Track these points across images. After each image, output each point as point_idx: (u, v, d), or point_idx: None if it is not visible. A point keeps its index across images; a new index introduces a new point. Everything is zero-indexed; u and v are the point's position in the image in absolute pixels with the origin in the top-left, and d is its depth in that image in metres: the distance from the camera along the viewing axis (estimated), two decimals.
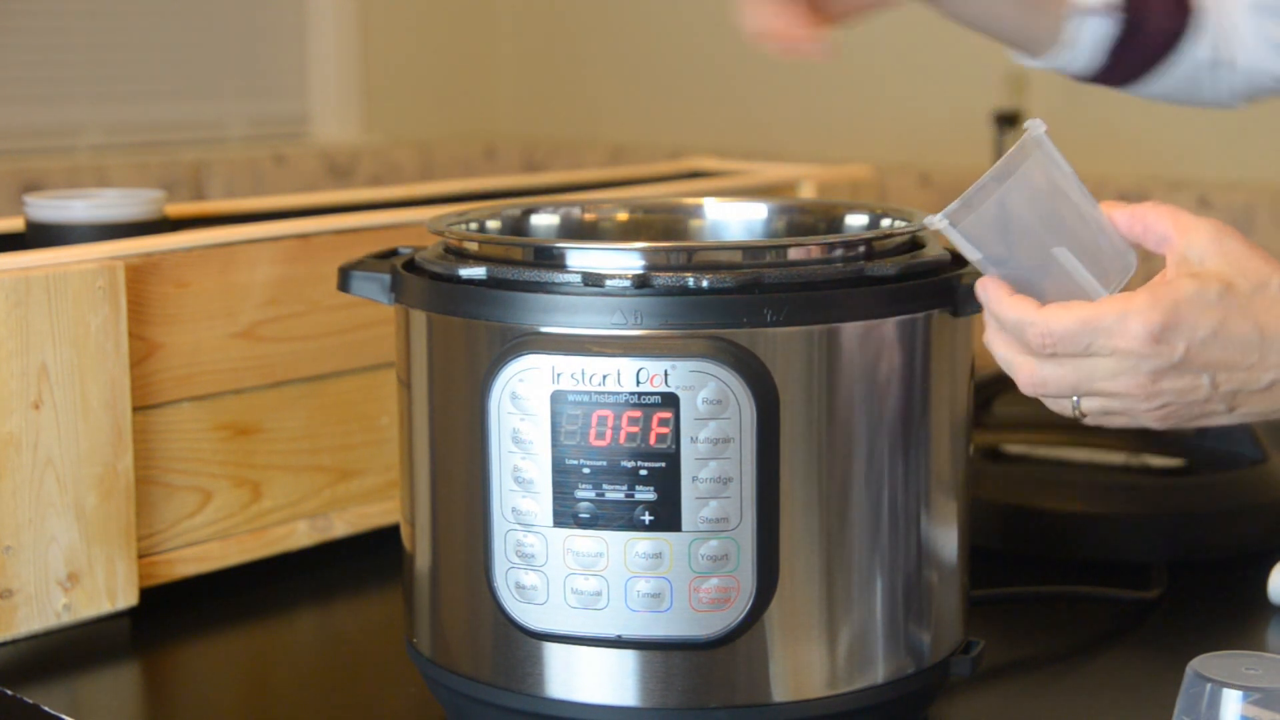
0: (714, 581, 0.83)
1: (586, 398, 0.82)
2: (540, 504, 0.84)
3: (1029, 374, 0.82)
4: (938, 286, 0.88)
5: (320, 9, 3.48)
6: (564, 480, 0.83)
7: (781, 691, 0.86)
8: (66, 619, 1.10)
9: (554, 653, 0.87)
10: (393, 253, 1.01)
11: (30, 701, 1.00)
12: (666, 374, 0.81)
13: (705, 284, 0.83)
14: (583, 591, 0.84)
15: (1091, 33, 1.18)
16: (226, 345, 1.18)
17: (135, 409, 1.13)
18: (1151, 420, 0.82)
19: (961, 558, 0.93)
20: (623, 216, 1.09)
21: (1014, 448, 1.29)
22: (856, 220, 1.03)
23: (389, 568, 1.16)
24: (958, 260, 0.93)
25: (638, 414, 0.82)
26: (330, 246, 1.23)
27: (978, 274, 0.87)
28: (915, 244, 0.92)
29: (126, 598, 1.12)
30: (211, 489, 1.18)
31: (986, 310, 0.83)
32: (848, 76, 3.30)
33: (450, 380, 0.89)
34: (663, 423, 0.82)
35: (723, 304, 0.82)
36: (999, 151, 3.06)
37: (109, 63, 3.20)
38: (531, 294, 0.84)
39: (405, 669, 1.02)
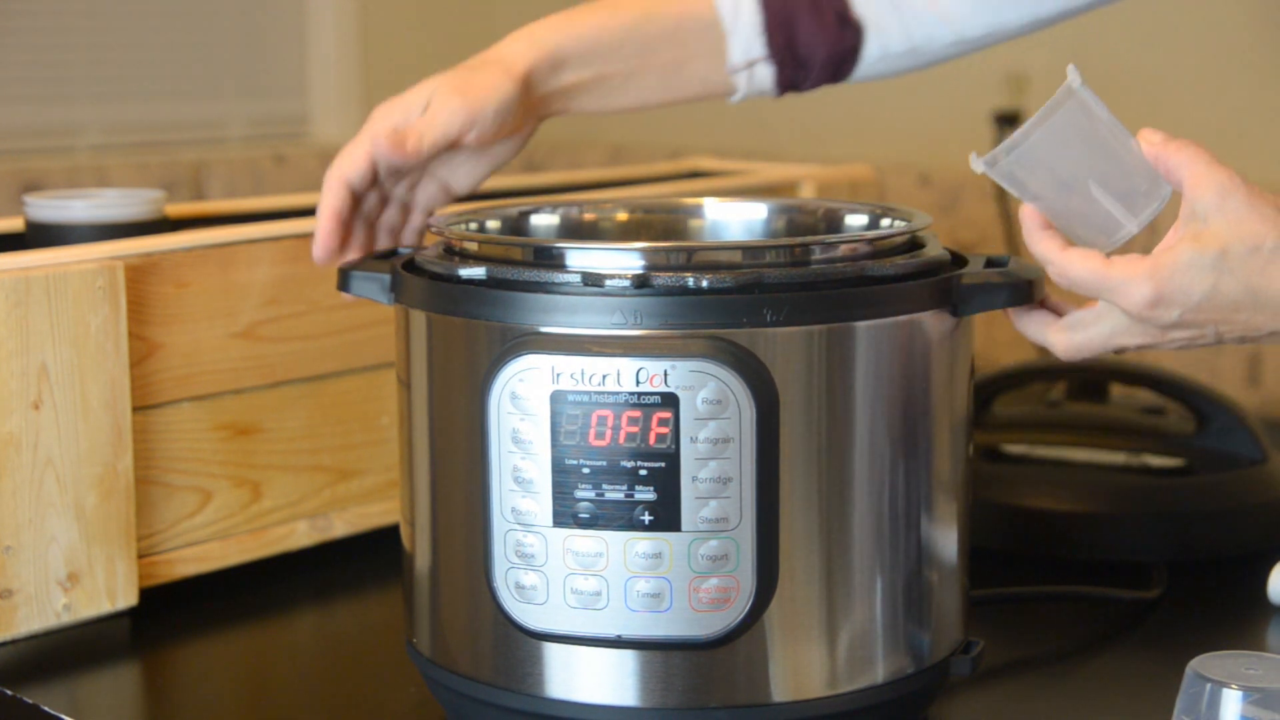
0: (714, 581, 0.83)
1: (586, 398, 0.82)
2: (540, 504, 0.84)
3: (1065, 344, 0.90)
4: (937, 286, 0.88)
5: (320, 9, 3.48)
6: (563, 480, 0.83)
7: (781, 691, 0.86)
8: (66, 619, 1.10)
9: (554, 653, 0.87)
10: (393, 253, 1.01)
11: (30, 701, 1.00)
12: (666, 374, 0.81)
13: (705, 284, 0.83)
14: (582, 591, 0.84)
15: (759, 78, 1.17)
16: (226, 345, 1.18)
17: (135, 409, 1.13)
18: (1175, 349, 0.89)
19: (961, 558, 0.93)
20: (623, 216, 1.09)
21: (1014, 448, 1.28)
22: (857, 220, 1.03)
23: (389, 568, 1.16)
24: (958, 260, 0.93)
25: (637, 414, 0.82)
26: None
27: (977, 274, 0.89)
28: (915, 244, 0.92)
29: (126, 598, 1.12)
30: (211, 489, 1.18)
31: (1027, 243, 0.89)
32: None
33: (450, 380, 0.89)
34: (662, 423, 0.82)
35: (722, 304, 0.82)
36: None
37: (109, 63, 3.20)
38: (531, 294, 0.84)
39: (405, 669, 1.02)
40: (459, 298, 0.87)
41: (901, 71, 1.20)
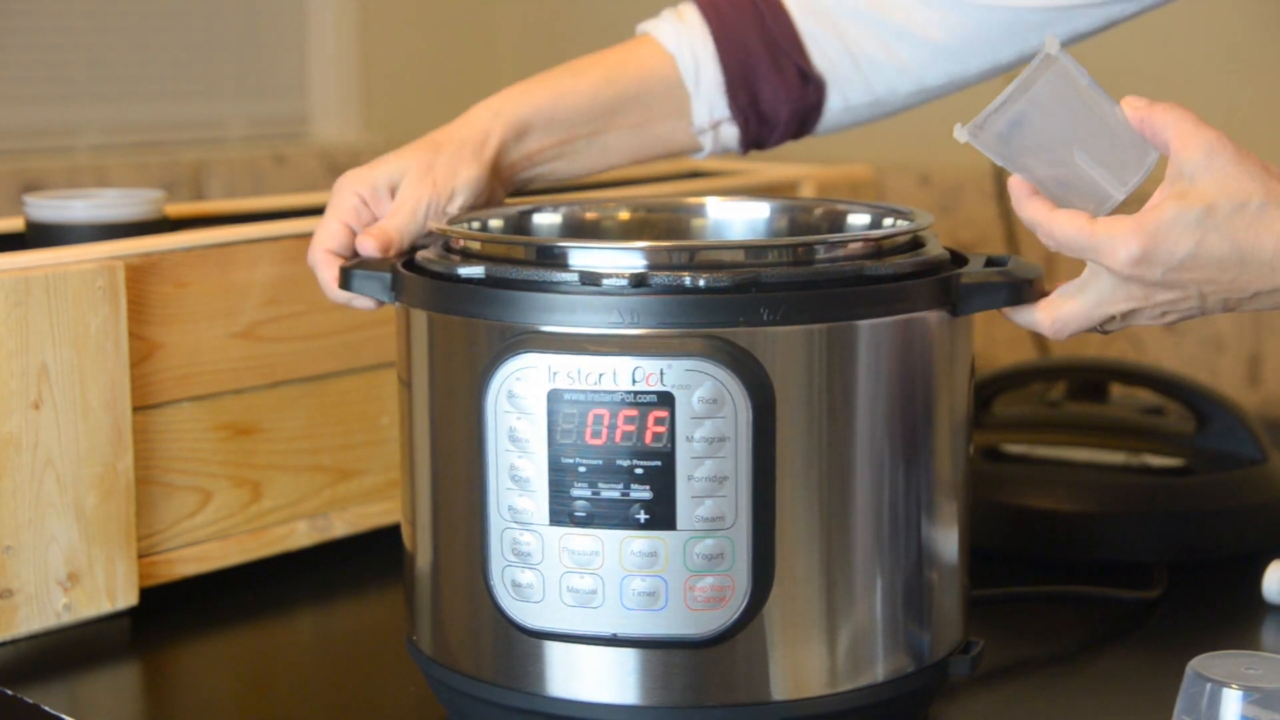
0: (709, 580, 0.83)
1: (583, 396, 0.82)
2: (536, 502, 0.84)
3: (1050, 320, 0.89)
4: (936, 286, 0.88)
5: (320, 9, 3.48)
6: (560, 479, 0.83)
7: (780, 690, 0.86)
8: (66, 619, 1.10)
9: (554, 651, 0.87)
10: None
11: (30, 701, 1.00)
12: (662, 373, 0.81)
13: (702, 283, 0.83)
14: (578, 590, 0.84)
15: (724, 137, 1.18)
16: (226, 345, 1.18)
17: (135, 409, 1.13)
18: (1162, 323, 0.89)
19: (962, 558, 0.93)
20: (625, 216, 1.09)
21: (1014, 448, 1.28)
22: (858, 219, 1.03)
23: (389, 568, 1.16)
24: (957, 259, 0.93)
25: (634, 413, 0.82)
26: None
27: (977, 274, 0.89)
28: (916, 243, 0.92)
29: (126, 598, 1.12)
30: (211, 489, 1.18)
31: (1015, 209, 0.89)
32: None
33: (450, 379, 0.89)
34: (659, 421, 0.82)
35: (719, 303, 0.82)
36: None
37: (109, 63, 3.20)
38: (529, 293, 0.84)
39: (405, 669, 1.02)
40: (458, 296, 0.87)
41: (866, 121, 1.21)
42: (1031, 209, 0.87)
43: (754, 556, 0.83)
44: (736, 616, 0.84)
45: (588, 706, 0.86)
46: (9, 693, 1.01)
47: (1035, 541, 1.20)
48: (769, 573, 0.84)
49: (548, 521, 0.84)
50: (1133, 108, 0.86)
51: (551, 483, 0.84)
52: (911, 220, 0.95)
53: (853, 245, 0.88)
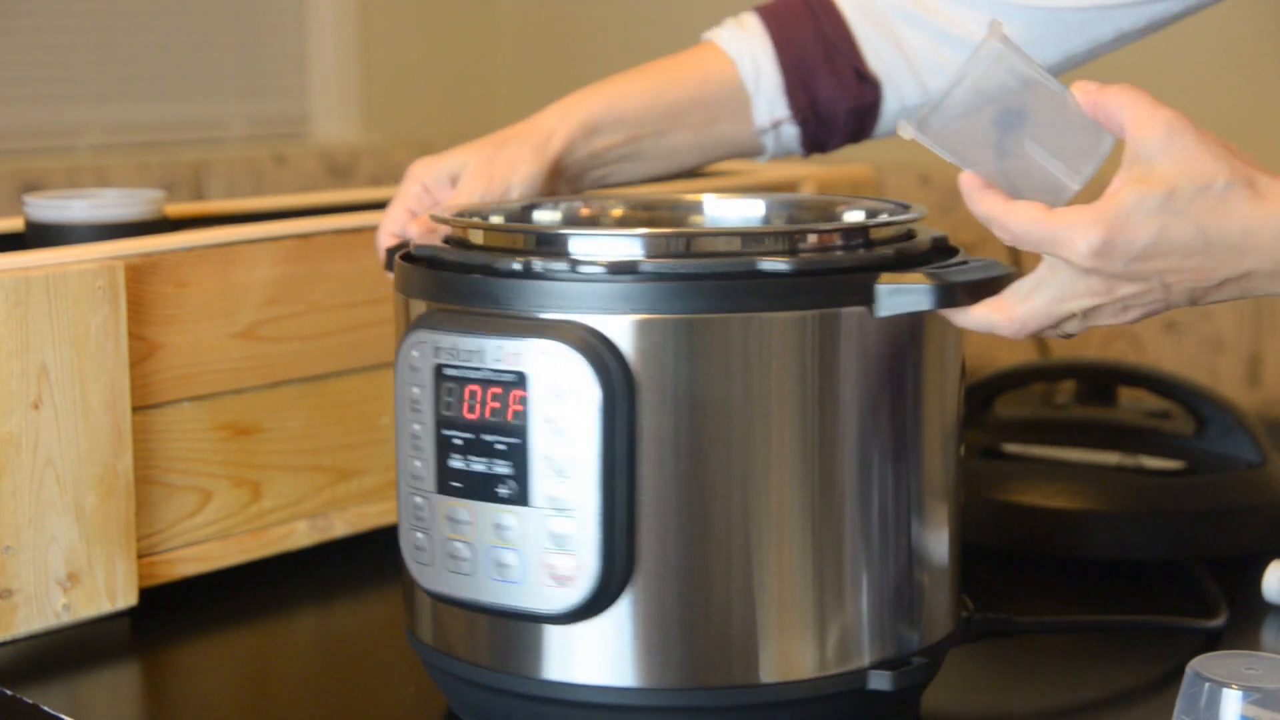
0: (559, 559, 0.85)
1: (458, 373, 0.86)
2: (428, 470, 0.88)
3: (1008, 320, 0.85)
4: (837, 284, 0.86)
5: (320, 9, 3.48)
6: (443, 449, 0.87)
7: (645, 677, 0.86)
8: (66, 619, 1.10)
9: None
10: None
11: (30, 701, 1.00)
12: (520, 355, 0.84)
13: (578, 271, 0.85)
14: (456, 557, 0.88)
15: (785, 138, 1.19)
16: (226, 345, 1.18)
17: (135, 409, 1.13)
18: (1124, 320, 0.84)
19: (860, 550, 0.89)
20: (619, 212, 1.11)
21: (1011, 447, 1.28)
22: (853, 215, 1.03)
23: (389, 568, 1.16)
24: (866, 265, 0.89)
25: (499, 391, 0.85)
26: (330, 246, 1.23)
27: (897, 275, 0.86)
28: (906, 236, 0.92)
29: (126, 598, 1.12)
30: (211, 489, 1.18)
31: (969, 206, 0.85)
32: None
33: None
34: (519, 401, 0.85)
35: (587, 291, 0.84)
36: None
37: (109, 63, 3.20)
38: (441, 272, 0.90)
39: (405, 668, 1.02)
40: (412, 279, 0.92)
41: None
42: (985, 203, 0.83)
43: (603, 540, 0.84)
44: (584, 597, 0.85)
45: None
46: (9, 693, 1.01)
47: (1032, 539, 1.20)
48: (622, 558, 0.84)
49: (435, 489, 0.88)
50: (1084, 92, 0.82)
51: (438, 452, 0.88)
52: (908, 215, 0.94)
53: (752, 239, 0.87)
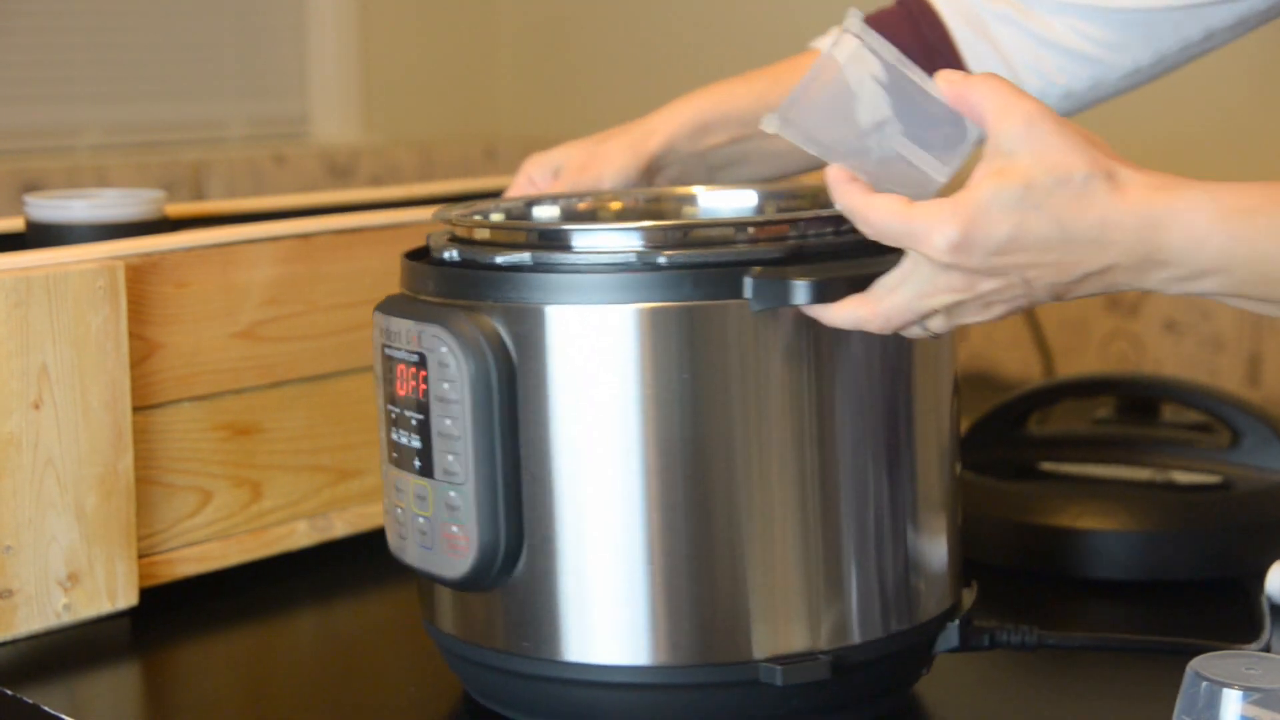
0: (453, 529, 0.90)
1: (392, 353, 0.92)
2: (383, 441, 0.95)
3: (873, 316, 0.84)
4: (710, 277, 0.86)
5: (320, 9, 3.48)
6: (386, 424, 0.94)
7: (547, 649, 0.89)
8: (66, 619, 1.10)
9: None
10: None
11: (30, 701, 1.00)
12: (420, 337, 0.90)
13: (477, 259, 0.90)
14: (400, 523, 0.94)
15: None
16: (226, 345, 1.18)
17: (135, 409, 1.13)
18: (988, 317, 0.83)
19: (768, 541, 0.89)
20: (617, 205, 1.12)
21: (1048, 465, 1.26)
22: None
23: (389, 568, 1.16)
24: (744, 262, 0.89)
25: (414, 370, 0.91)
26: (330, 246, 1.24)
27: (775, 270, 0.86)
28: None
29: (126, 598, 1.12)
30: (211, 489, 1.18)
31: (834, 200, 0.83)
32: None
33: None
34: (423, 380, 0.90)
35: (477, 279, 0.89)
36: None
37: (109, 63, 3.20)
38: (409, 261, 0.95)
39: (405, 668, 1.02)
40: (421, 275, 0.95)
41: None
42: (848, 198, 0.82)
43: (480, 513, 0.88)
44: (470, 566, 0.89)
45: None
46: (9, 693, 1.01)
47: (1056, 560, 1.18)
48: (506, 530, 0.88)
49: (386, 459, 0.95)
50: (947, 83, 0.80)
51: (386, 425, 0.94)
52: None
53: (638, 234, 0.88)
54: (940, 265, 0.80)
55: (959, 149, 0.81)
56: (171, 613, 1.15)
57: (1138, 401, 1.34)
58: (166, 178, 3.04)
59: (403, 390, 0.91)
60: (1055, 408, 1.35)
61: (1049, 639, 0.99)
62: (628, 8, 3.91)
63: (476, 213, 1.02)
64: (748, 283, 0.86)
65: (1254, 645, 1.04)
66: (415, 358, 0.90)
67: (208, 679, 1.08)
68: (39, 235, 1.21)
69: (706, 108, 1.20)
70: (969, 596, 0.98)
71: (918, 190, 0.81)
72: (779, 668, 0.87)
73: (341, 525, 1.25)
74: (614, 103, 3.92)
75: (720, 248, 0.87)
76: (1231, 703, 0.76)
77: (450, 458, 0.89)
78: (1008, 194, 0.78)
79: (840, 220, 0.88)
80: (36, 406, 1.07)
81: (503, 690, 0.93)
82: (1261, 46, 2.62)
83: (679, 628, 0.88)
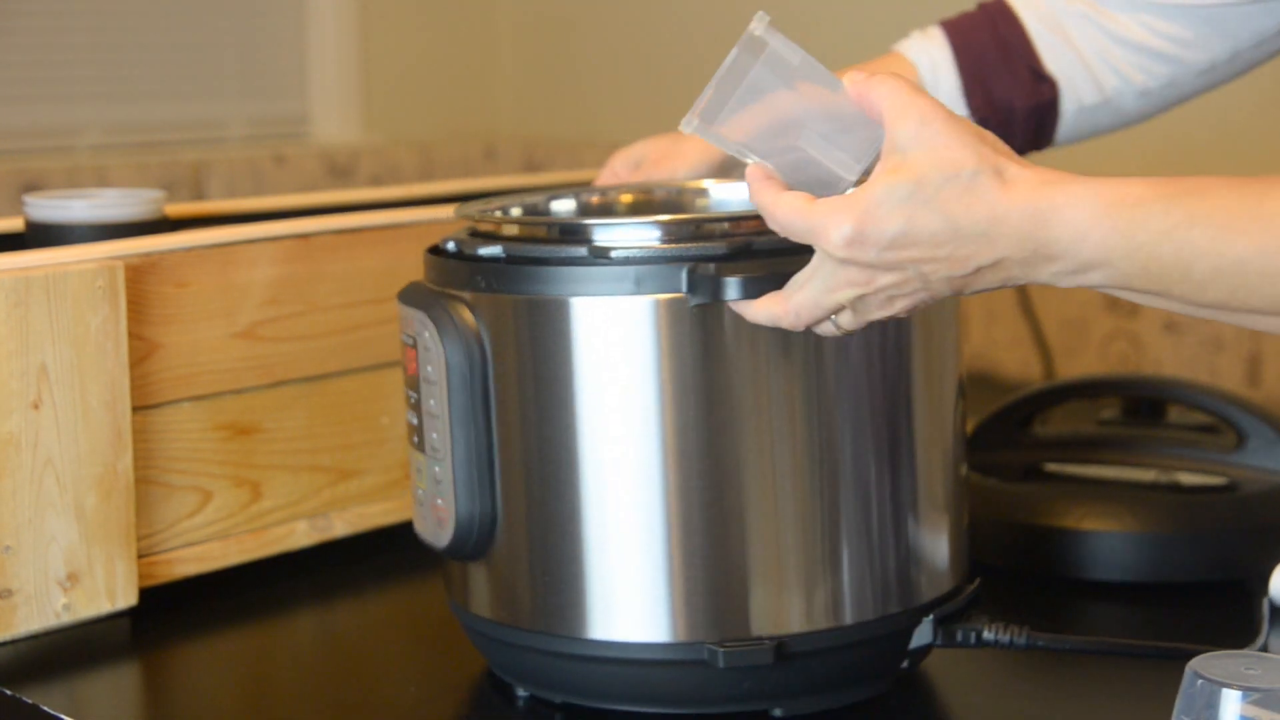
0: (439, 501, 0.95)
1: (404, 338, 0.97)
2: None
3: (785, 312, 0.86)
4: (654, 272, 0.89)
5: (320, 9, 3.48)
6: (406, 405, 0.98)
7: (523, 618, 0.93)
8: (66, 619, 1.10)
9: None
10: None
11: (30, 701, 1.00)
12: (412, 321, 0.95)
13: (465, 251, 0.95)
14: (419, 502, 0.98)
15: None
16: (226, 345, 1.18)
17: (135, 409, 1.13)
18: (892, 311, 0.84)
19: (740, 526, 0.91)
20: (628, 198, 1.14)
21: (1053, 466, 1.26)
22: None
23: (389, 568, 1.16)
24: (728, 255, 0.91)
25: (414, 353, 0.96)
26: (330, 246, 1.24)
27: (712, 267, 0.88)
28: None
29: (126, 598, 1.12)
30: (211, 489, 1.18)
31: (750, 197, 0.86)
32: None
33: None
34: (416, 361, 0.96)
35: (459, 269, 0.94)
36: None
37: (109, 63, 3.20)
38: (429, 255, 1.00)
39: (405, 669, 1.02)
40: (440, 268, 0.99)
41: (1106, 130, 1.25)
42: (759, 193, 0.84)
43: (457, 487, 0.93)
44: (450, 538, 0.94)
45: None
46: (9, 693, 1.01)
47: (1060, 562, 1.17)
48: (482, 505, 0.93)
49: (408, 439, 1.00)
50: (852, 83, 0.82)
51: (408, 406, 0.99)
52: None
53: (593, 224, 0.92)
54: (839, 260, 0.82)
55: (871, 148, 0.83)
56: (171, 613, 1.15)
57: (1143, 403, 1.33)
58: (166, 178, 3.04)
59: (410, 371, 0.97)
60: (1059, 409, 1.34)
61: (1039, 640, 0.99)
62: (628, 7, 3.91)
63: (493, 209, 1.05)
64: (683, 278, 0.88)
65: (1252, 646, 1.04)
66: (411, 341, 0.96)
67: (207, 679, 1.08)
68: (39, 235, 1.21)
69: None
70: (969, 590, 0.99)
71: (830, 189, 0.83)
72: (722, 650, 0.90)
73: (341, 525, 1.25)
74: (614, 102, 3.93)
75: (677, 243, 0.90)
76: (1231, 703, 0.76)
77: (436, 434, 0.94)
78: (899, 190, 0.80)
79: None
80: (36, 406, 1.07)
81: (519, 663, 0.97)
82: None
83: (692, 605, 0.91)
